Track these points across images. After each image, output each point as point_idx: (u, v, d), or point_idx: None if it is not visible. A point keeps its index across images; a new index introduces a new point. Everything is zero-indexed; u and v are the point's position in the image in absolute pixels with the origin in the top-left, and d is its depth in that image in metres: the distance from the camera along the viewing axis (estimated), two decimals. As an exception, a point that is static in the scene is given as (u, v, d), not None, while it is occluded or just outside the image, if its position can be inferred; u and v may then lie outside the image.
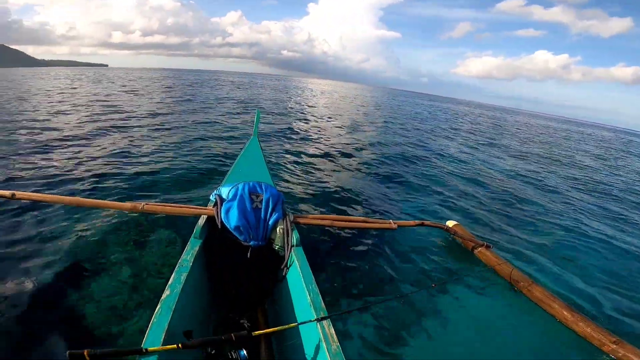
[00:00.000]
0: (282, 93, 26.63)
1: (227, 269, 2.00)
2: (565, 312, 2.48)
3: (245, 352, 1.37)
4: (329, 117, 14.02)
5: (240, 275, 2.00)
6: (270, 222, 2.02)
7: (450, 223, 3.40)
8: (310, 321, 1.34)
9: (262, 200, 2.06)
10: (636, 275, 3.55)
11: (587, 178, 8.76)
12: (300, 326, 1.44)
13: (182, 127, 8.18)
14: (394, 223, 2.73)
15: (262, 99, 19.60)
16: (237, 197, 2.02)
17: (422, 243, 3.45)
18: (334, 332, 1.32)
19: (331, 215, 2.71)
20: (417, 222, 3.03)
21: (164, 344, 1.13)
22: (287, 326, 1.32)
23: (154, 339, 1.15)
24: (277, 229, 2.02)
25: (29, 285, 2.21)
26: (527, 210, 5.17)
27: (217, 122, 9.37)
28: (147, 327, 1.20)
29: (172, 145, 6.29)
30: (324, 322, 1.35)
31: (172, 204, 2.34)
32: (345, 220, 2.71)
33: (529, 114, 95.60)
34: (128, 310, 2.08)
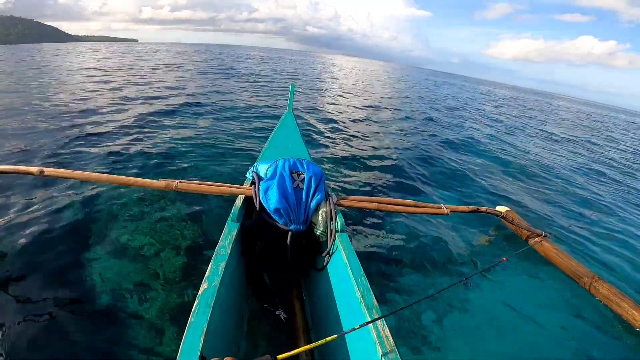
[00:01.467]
0: (310, 69, 26.13)
1: (264, 255, 1.84)
2: (635, 312, 2.28)
3: None
4: (357, 94, 13.64)
5: (278, 262, 1.83)
6: (312, 205, 1.81)
7: (501, 209, 3.19)
8: (364, 324, 1.16)
9: (303, 179, 1.85)
10: None
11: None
12: (345, 323, 1.30)
13: (214, 103, 8.08)
14: (446, 208, 2.57)
15: (291, 74, 19.30)
16: (277, 175, 1.83)
17: (474, 230, 3.25)
18: (389, 333, 1.15)
19: (377, 198, 2.50)
20: (472, 207, 2.85)
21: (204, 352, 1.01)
22: (330, 338, 1.12)
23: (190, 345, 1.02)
24: (320, 212, 1.81)
25: (52, 266, 2.14)
26: (584, 199, 4.81)
27: (251, 97, 9.28)
28: (186, 325, 1.08)
29: (206, 121, 6.23)
30: (378, 323, 1.17)
31: (207, 182, 2.21)
32: (393, 204, 2.49)
33: (567, 99, 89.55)
34: (161, 293, 1.99)
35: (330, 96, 11.94)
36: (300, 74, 20.35)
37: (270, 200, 1.75)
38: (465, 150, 6.74)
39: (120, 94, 8.08)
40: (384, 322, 1.18)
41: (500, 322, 2.21)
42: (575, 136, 11.87)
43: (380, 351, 1.08)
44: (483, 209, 2.96)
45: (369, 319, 1.18)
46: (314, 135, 6.01)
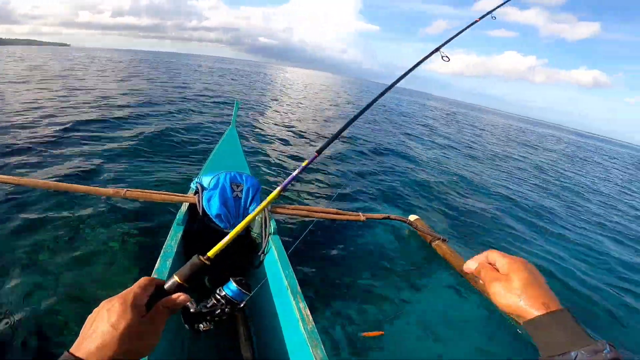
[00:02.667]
0: (258, 80, 26.23)
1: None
2: None
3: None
4: (302, 105, 14.07)
5: (218, 261, 2.07)
6: (249, 211, 2.07)
7: (412, 217, 3.62)
8: (289, 307, 1.42)
9: (242, 190, 2.13)
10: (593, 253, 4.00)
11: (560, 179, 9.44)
12: (278, 308, 1.53)
13: (157, 114, 7.89)
14: (363, 215, 2.92)
15: (240, 85, 19.23)
16: (219, 186, 2.09)
17: (386, 235, 3.71)
18: (309, 313, 1.41)
19: (306, 206, 2.87)
20: (384, 215, 3.26)
21: None
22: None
23: None
24: (256, 218, 2.05)
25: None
26: (483, 210, 5.51)
27: (193, 111, 9.14)
28: None
29: (148, 133, 6.08)
30: (301, 304, 1.44)
31: (154, 191, 2.38)
32: (319, 212, 2.85)
33: (493, 112, 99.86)
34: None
35: (272, 109, 12.16)
36: (246, 85, 20.38)
37: (212, 207, 2.00)
38: (393, 161, 7.34)
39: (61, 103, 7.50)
40: (305, 305, 1.44)
41: (397, 310, 2.60)
42: (503, 152, 13.30)
43: (302, 325, 1.33)
44: (393, 216, 3.36)
45: (293, 303, 1.44)
46: (256, 149, 6.21)
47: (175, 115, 8.11)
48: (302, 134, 8.48)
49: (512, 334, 2.57)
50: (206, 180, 2.15)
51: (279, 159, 5.90)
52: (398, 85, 1.60)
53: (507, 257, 0.51)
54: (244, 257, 2.15)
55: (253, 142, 6.72)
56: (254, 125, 8.32)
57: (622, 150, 47.52)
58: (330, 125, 10.53)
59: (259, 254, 2.00)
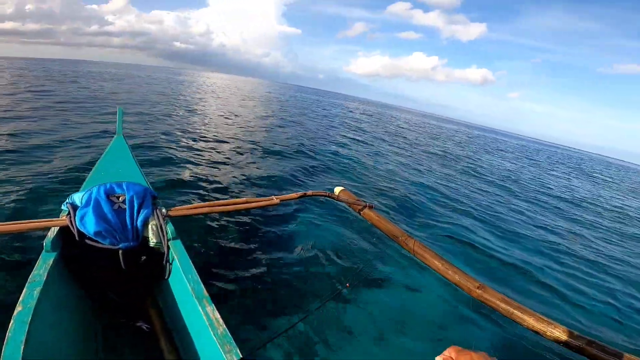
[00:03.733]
0: (169, 87, 24.07)
1: (100, 276, 1.93)
2: (436, 262, 2.73)
3: None
4: (218, 111, 13.28)
5: (118, 279, 1.93)
6: (139, 221, 1.88)
7: (337, 189, 3.46)
8: (198, 313, 1.39)
9: (124, 200, 1.91)
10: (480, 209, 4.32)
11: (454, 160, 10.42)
12: (187, 317, 1.50)
13: (30, 131, 6.25)
14: (276, 198, 2.70)
15: (141, 92, 17.31)
16: (92, 201, 1.84)
17: (307, 213, 3.53)
18: (219, 316, 1.37)
19: (208, 202, 2.55)
20: (299, 194, 3.02)
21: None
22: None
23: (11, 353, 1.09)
24: (150, 226, 1.91)
25: None
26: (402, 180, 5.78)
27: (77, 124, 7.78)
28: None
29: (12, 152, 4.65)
30: (208, 309, 1.41)
31: (12, 222, 1.85)
32: (225, 205, 2.55)
33: (405, 110, 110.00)
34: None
35: (179, 115, 11.20)
36: (157, 92, 18.54)
37: (88, 225, 1.77)
38: (308, 152, 7.31)
39: None
40: (214, 309, 1.40)
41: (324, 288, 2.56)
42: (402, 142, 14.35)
43: (212, 331, 1.32)
44: (310, 192, 3.14)
45: (200, 308, 1.41)
46: (158, 156, 5.41)
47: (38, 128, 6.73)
48: (212, 140, 7.94)
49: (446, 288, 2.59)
50: (78, 197, 1.88)
51: (182, 166, 5.26)
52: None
53: (468, 354, 0.57)
54: (150, 269, 1.99)
55: (157, 151, 5.79)
56: (161, 135, 7.40)
57: (514, 141, 55.72)
58: (245, 131, 10.08)
59: (164, 263, 1.88)
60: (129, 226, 1.86)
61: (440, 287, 2.82)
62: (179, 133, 7.35)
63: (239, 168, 5.25)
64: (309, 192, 3.10)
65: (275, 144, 7.56)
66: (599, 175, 20.76)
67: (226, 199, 3.72)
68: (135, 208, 1.91)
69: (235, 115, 12.12)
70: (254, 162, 5.74)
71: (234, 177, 4.77)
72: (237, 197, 3.92)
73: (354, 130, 13.55)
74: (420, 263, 2.80)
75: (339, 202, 3.47)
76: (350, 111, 28.78)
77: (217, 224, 3.25)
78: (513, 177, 10.52)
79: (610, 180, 19.27)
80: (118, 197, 1.91)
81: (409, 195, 5.31)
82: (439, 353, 0.60)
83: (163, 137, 6.59)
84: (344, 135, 11.21)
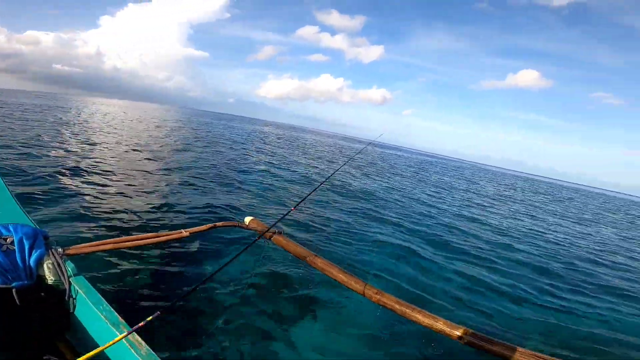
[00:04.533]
0: (50, 114, 20.78)
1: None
2: (340, 275, 2.99)
3: None
4: (113, 140, 12.08)
5: (14, 320, 1.81)
6: (32, 261, 1.80)
7: (247, 219, 3.57)
8: (114, 341, 1.33)
9: (12, 241, 1.82)
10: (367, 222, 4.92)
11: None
12: (103, 343, 1.41)
13: None
14: (186, 231, 2.70)
15: (17, 122, 14.64)
16: None
17: (217, 244, 3.57)
18: (140, 339, 1.39)
19: (114, 239, 2.41)
20: (209, 225, 3.06)
21: None
22: (90, 353, 1.22)
23: None
24: (45, 265, 1.83)
25: None
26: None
27: None
28: None
29: None
30: (124, 331, 1.40)
31: None
32: (133, 240, 2.44)
33: (315, 132, 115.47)
34: None
35: (66, 146, 9.93)
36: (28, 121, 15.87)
37: None
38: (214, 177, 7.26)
39: None
40: (134, 334, 1.39)
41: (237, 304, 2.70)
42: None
43: (135, 353, 1.32)
44: (220, 224, 3.21)
45: (118, 334, 1.37)
46: (51, 193, 4.79)
47: None
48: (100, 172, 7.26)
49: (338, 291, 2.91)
50: None
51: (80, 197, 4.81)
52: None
53: None
54: (50, 307, 1.91)
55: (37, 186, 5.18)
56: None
57: (413, 156, 62.96)
58: (152, 161, 9.45)
59: (67, 299, 1.82)
60: (21, 265, 1.78)
61: (344, 297, 3.14)
62: (75, 166, 6.52)
63: (147, 201, 4.95)
64: (219, 224, 3.16)
65: (186, 173, 7.28)
66: (478, 181, 25.00)
67: (135, 234, 3.55)
68: (27, 249, 1.83)
69: (137, 144, 11.21)
70: (163, 194, 5.45)
71: (142, 211, 4.52)
72: (145, 232, 3.78)
73: (270, 155, 13.77)
74: (329, 279, 3.09)
75: (249, 231, 3.59)
76: (264, 135, 29.08)
77: (125, 260, 3.15)
78: (406, 190, 12.10)
79: (486, 183, 23.34)
80: (6, 239, 1.83)
81: (321, 215, 5.70)
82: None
83: (52, 170, 5.78)
84: (259, 161, 11.34)
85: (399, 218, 7.03)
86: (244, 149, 15.10)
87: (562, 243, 8.31)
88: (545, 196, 25.25)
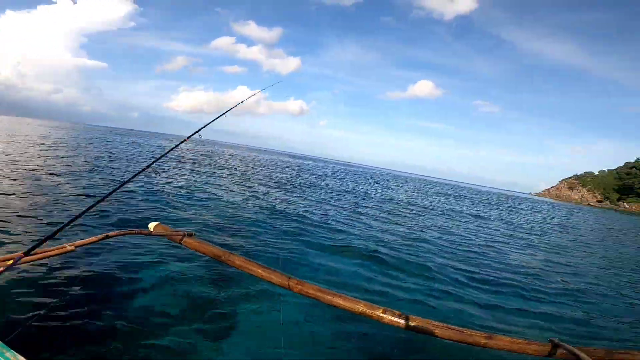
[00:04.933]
0: None
1: None
2: (259, 270, 2.87)
3: None
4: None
5: None
6: None
7: (152, 225, 3.22)
8: None
9: None
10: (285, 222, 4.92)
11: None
12: None
13: None
14: (71, 245, 2.28)
15: None
16: None
17: (119, 255, 3.14)
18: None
19: None
20: (100, 236, 2.64)
21: None
22: None
23: None
24: None
25: None
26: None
27: None
28: None
29: None
30: (8, 354, 1.20)
31: None
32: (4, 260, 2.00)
33: (233, 146, 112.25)
34: None
35: None
36: None
37: None
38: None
39: None
40: (14, 352, 1.19)
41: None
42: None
43: None
44: (114, 233, 2.81)
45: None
46: None
47: None
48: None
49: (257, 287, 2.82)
50: None
51: None
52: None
53: None
54: None
55: None
56: None
57: (328, 165, 64.99)
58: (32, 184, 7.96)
59: None
60: None
61: (264, 290, 3.06)
62: None
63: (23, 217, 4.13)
64: (113, 233, 2.76)
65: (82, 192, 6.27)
66: (390, 185, 27.24)
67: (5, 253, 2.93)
68: None
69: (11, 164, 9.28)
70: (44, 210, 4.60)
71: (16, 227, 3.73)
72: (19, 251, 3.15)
73: (180, 170, 12.80)
74: (249, 275, 2.98)
75: (156, 237, 3.25)
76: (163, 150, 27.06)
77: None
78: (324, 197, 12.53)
79: (396, 187, 25.57)
80: None
81: (233, 220, 5.50)
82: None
83: None
84: (173, 175, 10.45)
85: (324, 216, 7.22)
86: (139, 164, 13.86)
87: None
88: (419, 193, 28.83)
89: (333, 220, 7.67)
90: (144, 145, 28.67)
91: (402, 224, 9.14)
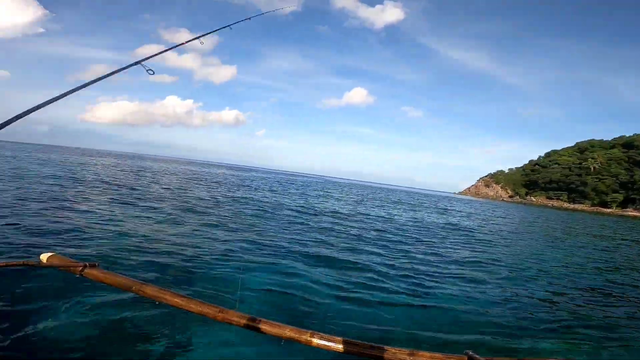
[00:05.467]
0: None
1: None
2: (175, 299, 2.75)
3: None
4: None
5: None
6: None
7: (44, 256, 2.83)
8: None
9: None
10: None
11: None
12: None
13: None
14: None
15: None
16: None
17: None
18: None
19: None
20: None
21: None
22: None
23: None
24: None
25: None
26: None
27: None
28: None
29: None
30: None
31: None
32: None
33: (163, 159, 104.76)
34: None
35: None
36: None
37: None
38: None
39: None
40: None
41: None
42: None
43: None
44: (2, 263, 2.44)
45: None
46: None
47: None
48: None
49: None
50: None
51: None
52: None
53: None
54: None
55: None
56: None
57: (268, 175, 62.46)
58: None
59: None
60: None
61: (181, 323, 2.88)
62: None
63: None
64: (2, 263, 2.38)
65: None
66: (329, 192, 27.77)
67: None
68: None
69: None
70: None
71: None
72: None
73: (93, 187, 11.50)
74: (167, 306, 2.77)
75: (49, 269, 2.86)
76: (83, 166, 24.26)
77: None
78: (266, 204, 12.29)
79: (335, 193, 26.11)
80: None
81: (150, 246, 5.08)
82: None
83: None
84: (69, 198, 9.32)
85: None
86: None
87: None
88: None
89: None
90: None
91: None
